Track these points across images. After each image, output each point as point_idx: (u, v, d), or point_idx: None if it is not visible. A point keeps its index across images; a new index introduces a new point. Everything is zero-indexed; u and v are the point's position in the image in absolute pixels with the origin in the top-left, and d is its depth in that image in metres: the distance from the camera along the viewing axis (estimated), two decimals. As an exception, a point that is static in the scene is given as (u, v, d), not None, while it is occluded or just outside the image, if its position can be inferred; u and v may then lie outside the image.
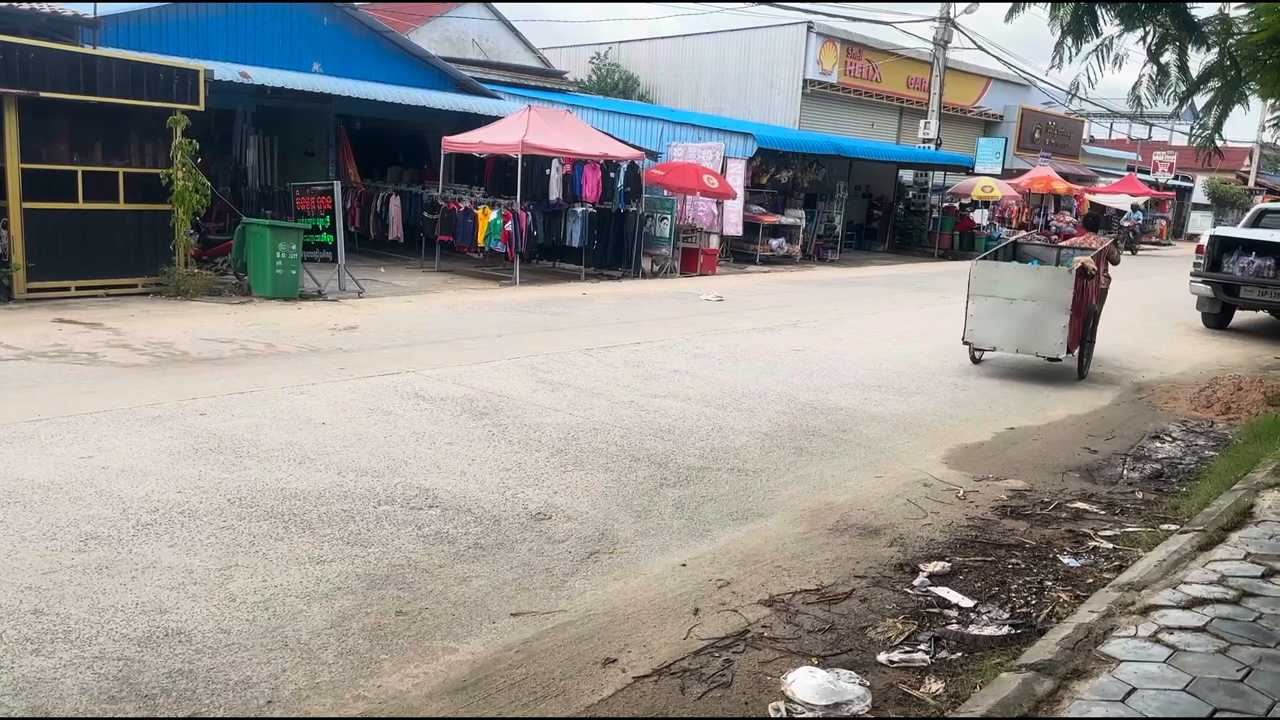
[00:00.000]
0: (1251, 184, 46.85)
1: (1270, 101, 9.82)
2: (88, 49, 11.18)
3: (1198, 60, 6.83)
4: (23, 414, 6.17)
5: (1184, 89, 6.99)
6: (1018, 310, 9.31)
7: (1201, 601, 4.07)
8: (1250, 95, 7.83)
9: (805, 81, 27.83)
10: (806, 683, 3.44)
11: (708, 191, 18.36)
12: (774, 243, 21.23)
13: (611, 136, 17.85)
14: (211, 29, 14.78)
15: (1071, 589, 4.39)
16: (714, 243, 19.21)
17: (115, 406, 6.48)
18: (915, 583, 4.44)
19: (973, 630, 3.94)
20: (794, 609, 4.09)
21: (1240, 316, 14.92)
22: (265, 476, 5.28)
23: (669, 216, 17.80)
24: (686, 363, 9.30)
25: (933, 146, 27.23)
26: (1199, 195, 46.86)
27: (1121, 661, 3.52)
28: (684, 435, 6.69)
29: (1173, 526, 5.27)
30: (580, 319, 11.89)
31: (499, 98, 18.81)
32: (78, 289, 10.94)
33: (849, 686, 3.43)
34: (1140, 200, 34.97)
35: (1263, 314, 15.06)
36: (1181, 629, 3.80)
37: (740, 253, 20.97)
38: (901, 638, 3.86)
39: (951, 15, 26.75)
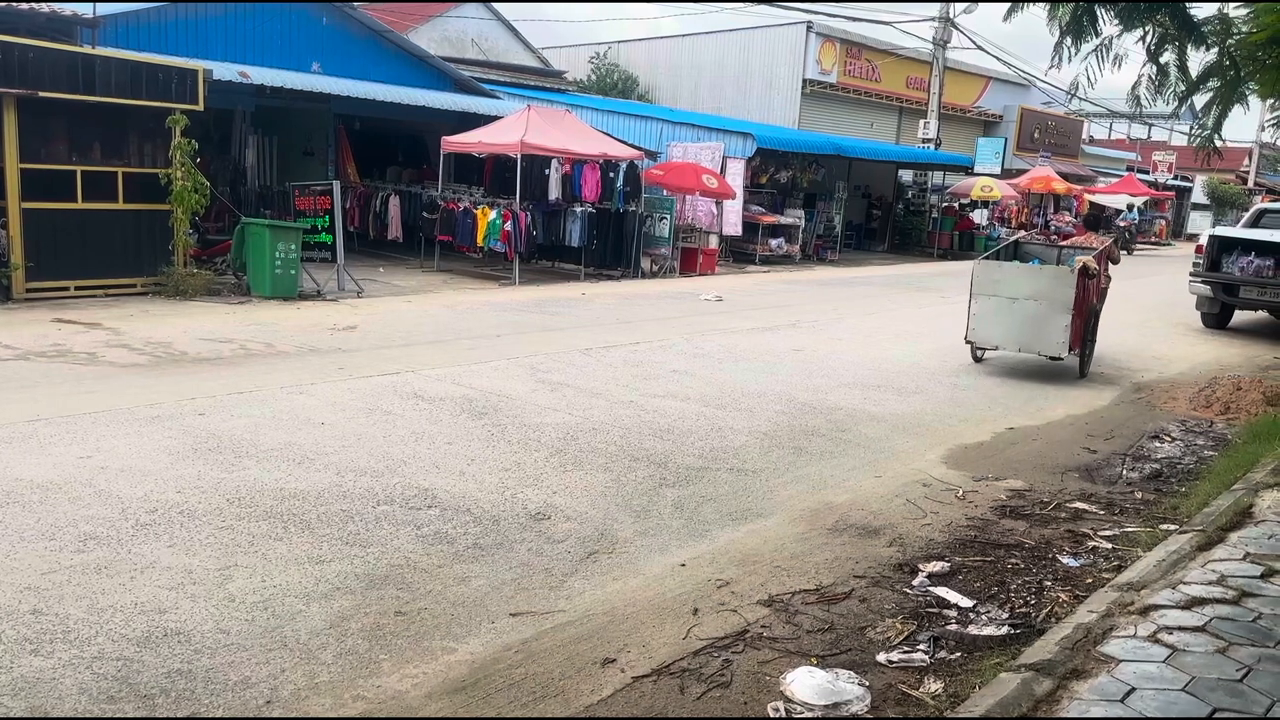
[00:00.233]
0: (1251, 184, 46.84)
1: (1269, 101, 9.82)
2: (87, 49, 11.18)
3: (1197, 60, 6.84)
4: (21, 414, 6.17)
5: (1183, 89, 6.99)
6: (1020, 310, 9.32)
7: (1201, 601, 4.07)
8: (1249, 95, 7.83)
9: (804, 81, 27.84)
10: (805, 683, 3.44)
11: (707, 191, 18.36)
12: (773, 243, 21.24)
13: (611, 136, 17.85)
14: (210, 29, 14.78)
15: (1071, 589, 4.39)
16: (713, 243, 19.22)
17: (114, 406, 6.48)
18: (914, 583, 4.44)
19: (972, 630, 3.94)
20: (793, 609, 4.09)
21: (1239, 316, 14.91)
22: (264, 476, 5.28)
23: (668, 216, 17.80)
24: (686, 362, 9.30)
25: (932, 146, 27.23)
26: (1198, 195, 46.86)
27: (1121, 661, 3.52)
28: (683, 435, 6.69)
29: (1172, 526, 5.27)
30: (579, 319, 11.88)
31: (498, 97, 18.81)
32: (77, 289, 10.93)
33: (848, 686, 3.43)
34: (1137, 200, 34.96)
35: (1262, 314, 15.06)
36: (1181, 629, 3.80)
37: (739, 253, 20.97)
38: (901, 638, 3.86)
39: (951, 15, 26.75)
